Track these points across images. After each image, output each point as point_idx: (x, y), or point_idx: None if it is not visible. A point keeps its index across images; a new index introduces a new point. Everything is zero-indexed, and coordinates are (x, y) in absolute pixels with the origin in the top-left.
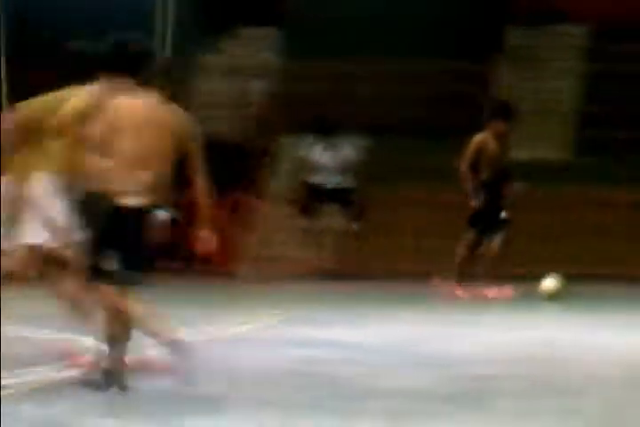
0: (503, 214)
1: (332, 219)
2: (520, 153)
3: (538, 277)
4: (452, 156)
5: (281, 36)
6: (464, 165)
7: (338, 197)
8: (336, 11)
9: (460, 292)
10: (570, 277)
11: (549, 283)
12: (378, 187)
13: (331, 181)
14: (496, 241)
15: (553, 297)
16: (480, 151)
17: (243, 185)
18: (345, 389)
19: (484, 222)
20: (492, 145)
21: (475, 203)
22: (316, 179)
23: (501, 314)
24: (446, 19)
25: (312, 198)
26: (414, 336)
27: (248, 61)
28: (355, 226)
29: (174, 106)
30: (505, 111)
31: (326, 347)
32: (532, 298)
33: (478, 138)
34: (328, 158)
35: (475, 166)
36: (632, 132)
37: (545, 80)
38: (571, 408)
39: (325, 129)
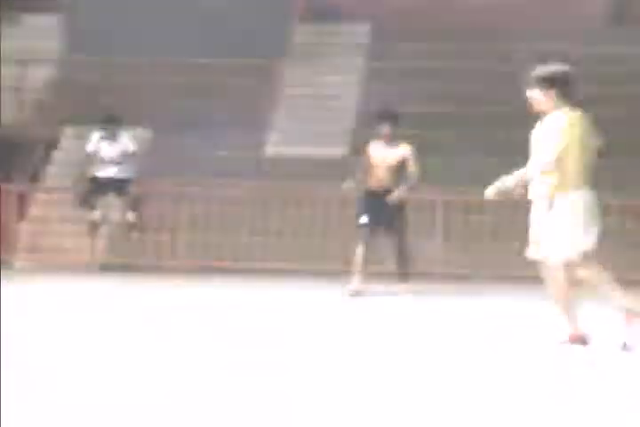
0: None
1: (110, 210)
2: (298, 149)
3: None
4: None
5: (65, 25)
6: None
7: (114, 187)
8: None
9: None
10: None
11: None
12: (157, 179)
13: (108, 171)
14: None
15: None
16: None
17: (20, 173)
18: None
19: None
20: (377, 150)
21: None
22: (95, 169)
23: None
24: (233, 15)
25: (90, 189)
26: None
27: (30, 48)
28: (130, 217)
29: None
30: (390, 116)
31: None
32: None
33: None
34: (107, 149)
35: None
36: (408, 131)
37: (327, 77)
38: None
39: (106, 120)
